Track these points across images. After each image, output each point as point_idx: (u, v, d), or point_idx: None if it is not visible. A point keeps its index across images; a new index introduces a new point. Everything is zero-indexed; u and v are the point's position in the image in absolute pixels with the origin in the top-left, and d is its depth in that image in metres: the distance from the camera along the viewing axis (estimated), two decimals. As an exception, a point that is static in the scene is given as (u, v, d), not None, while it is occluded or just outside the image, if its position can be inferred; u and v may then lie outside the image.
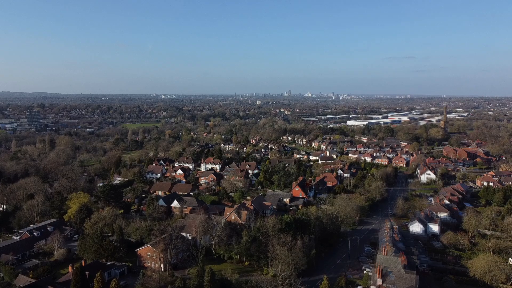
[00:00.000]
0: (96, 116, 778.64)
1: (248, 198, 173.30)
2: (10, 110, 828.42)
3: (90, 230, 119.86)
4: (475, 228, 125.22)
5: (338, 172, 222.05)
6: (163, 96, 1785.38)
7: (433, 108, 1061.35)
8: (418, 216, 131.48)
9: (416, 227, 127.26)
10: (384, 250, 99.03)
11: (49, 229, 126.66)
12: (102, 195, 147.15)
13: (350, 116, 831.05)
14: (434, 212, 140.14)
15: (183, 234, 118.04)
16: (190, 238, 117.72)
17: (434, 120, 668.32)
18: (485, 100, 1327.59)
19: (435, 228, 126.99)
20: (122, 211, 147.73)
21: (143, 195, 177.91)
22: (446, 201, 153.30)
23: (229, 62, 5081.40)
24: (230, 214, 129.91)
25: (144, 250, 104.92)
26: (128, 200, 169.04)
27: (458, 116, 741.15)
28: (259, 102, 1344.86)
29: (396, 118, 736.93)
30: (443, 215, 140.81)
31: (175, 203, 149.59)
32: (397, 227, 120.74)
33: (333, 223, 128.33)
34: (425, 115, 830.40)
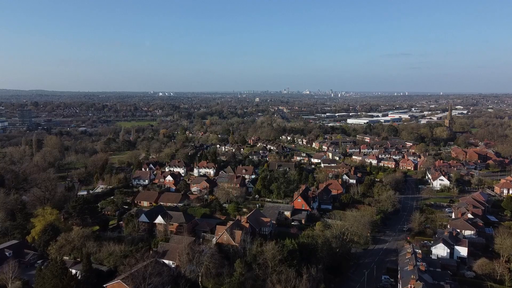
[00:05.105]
0: (90, 114, 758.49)
1: (244, 209, 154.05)
2: (2, 108, 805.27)
3: (55, 255, 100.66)
4: (511, 251, 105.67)
5: (343, 177, 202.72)
6: (160, 94, 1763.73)
7: (432, 106, 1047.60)
8: (442, 237, 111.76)
9: (440, 250, 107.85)
10: (410, 287, 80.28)
11: (7, 253, 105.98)
12: (74, 211, 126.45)
13: (350, 114, 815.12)
14: (458, 230, 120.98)
15: (165, 261, 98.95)
16: (173, 266, 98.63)
17: (435, 118, 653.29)
18: (483, 97, 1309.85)
19: (463, 251, 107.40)
20: (97, 228, 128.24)
21: (126, 207, 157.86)
22: (469, 215, 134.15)
23: (228, 60, 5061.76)
24: (222, 234, 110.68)
25: (114, 287, 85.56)
26: (108, 213, 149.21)
27: (459, 113, 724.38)
28: (257, 99, 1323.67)
29: (396, 116, 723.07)
30: (468, 233, 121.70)
31: (159, 219, 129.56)
32: (420, 251, 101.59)
33: (343, 245, 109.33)
34: (425, 112, 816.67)
